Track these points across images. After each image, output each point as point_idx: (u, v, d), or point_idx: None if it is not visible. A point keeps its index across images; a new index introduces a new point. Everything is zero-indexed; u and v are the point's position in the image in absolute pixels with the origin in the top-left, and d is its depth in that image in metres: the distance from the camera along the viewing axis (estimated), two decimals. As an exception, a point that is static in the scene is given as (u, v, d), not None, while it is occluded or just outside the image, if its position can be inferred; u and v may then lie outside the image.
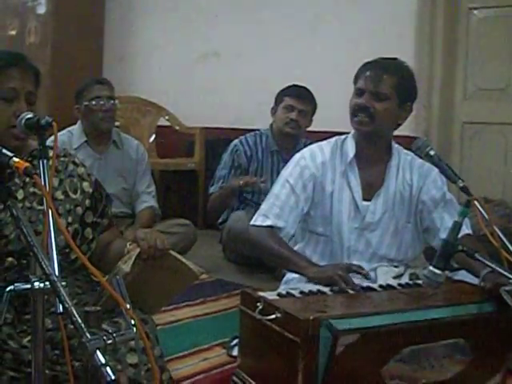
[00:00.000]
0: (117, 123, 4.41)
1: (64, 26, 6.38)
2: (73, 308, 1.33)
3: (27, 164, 1.44)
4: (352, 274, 2.47)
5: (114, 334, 1.36)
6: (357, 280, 2.45)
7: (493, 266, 2.13)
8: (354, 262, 2.67)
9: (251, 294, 2.22)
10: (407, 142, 2.76)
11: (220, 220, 4.68)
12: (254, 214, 2.89)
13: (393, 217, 2.79)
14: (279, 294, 2.26)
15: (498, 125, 4.97)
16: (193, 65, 6.33)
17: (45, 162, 1.69)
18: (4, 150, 1.48)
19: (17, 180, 2.08)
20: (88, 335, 1.29)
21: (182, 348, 3.00)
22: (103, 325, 1.86)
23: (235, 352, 2.79)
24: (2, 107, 2.01)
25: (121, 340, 1.38)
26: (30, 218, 2.03)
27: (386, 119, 2.71)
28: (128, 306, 1.48)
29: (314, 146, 2.89)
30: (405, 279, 2.58)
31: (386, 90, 2.68)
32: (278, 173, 2.99)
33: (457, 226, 2.20)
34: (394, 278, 2.61)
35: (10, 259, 2.00)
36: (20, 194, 2.07)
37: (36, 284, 1.50)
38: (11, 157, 1.46)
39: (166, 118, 6.30)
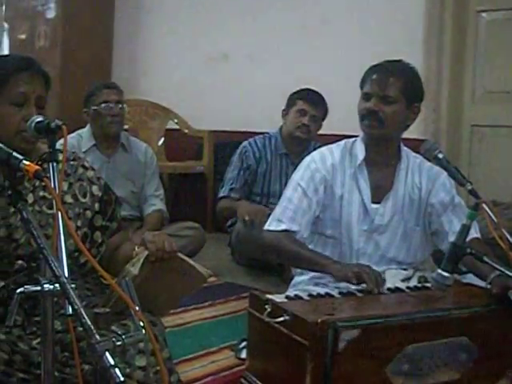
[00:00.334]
0: (125, 126, 4.42)
1: (73, 29, 6.40)
2: (82, 310, 1.33)
3: (37, 167, 1.45)
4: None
5: (123, 336, 1.37)
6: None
7: (501, 269, 2.13)
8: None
9: (259, 297, 2.22)
10: (416, 145, 2.76)
11: (229, 223, 4.68)
12: (262, 218, 2.89)
13: (402, 220, 2.79)
14: (287, 297, 2.27)
15: (507, 127, 4.96)
16: (202, 68, 6.33)
17: (55, 165, 1.70)
18: (14, 154, 1.48)
19: (26, 184, 2.08)
20: (97, 337, 1.29)
21: (190, 350, 3.01)
22: (112, 327, 1.89)
23: (243, 354, 2.79)
24: (12, 112, 2.01)
25: (130, 342, 1.38)
26: (40, 221, 2.03)
27: (395, 122, 2.71)
28: (137, 308, 1.49)
29: (323, 149, 2.89)
30: (413, 282, 2.58)
31: (393, 93, 2.68)
32: (287, 175, 3.00)
33: (465, 229, 2.20)
34: (403, 280, 2.61)
35: (19, 262, 2.00)
36: (30, 198, 2.07)
37: (46, 286, 1.50)
38: (21, 160, 1.47)
39: (175, 121, 6.31)
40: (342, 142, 2.88)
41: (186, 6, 6.45)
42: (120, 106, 4.10)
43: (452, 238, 2.34)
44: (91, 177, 2.25)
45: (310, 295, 2.31)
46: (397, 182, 2.79)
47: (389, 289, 2.44)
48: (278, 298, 2.22)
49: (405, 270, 2.73)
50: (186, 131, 6.28)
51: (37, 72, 2.08)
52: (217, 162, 6.08)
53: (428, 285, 2.45)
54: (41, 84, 2.08)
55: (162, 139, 6.26)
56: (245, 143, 4.64)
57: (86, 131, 4.19)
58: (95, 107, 4.07)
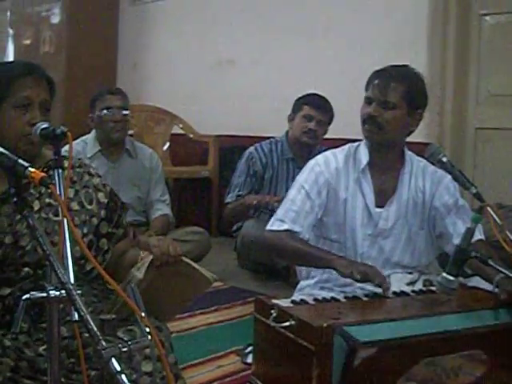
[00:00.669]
0: (130, 132, 4.42)
1: (78, 35, 6.43)
2: (88, 316, 1.34)
3: (43, 174, 1.45)
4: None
5: (129, 342, 1.37)
6: (370, 286, 2.45)
7: (506, 271, 2.13)
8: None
9: (265, 302, 2.22)
10: (420, 149, 2.76)
11: (234, 228, 4.68)
12: (267, 222, 2.89)
13: (406, 223, 2.79)
14: (293, 302, 2.26)
15: (511, 130, 4.95)
16: (207, 73, 6.35)
17: (60, 171, 1.70)
18: (20, 161, 1.49)
19: (32, 191, 2.08)
20: (103, 343, 1.30)
21: (196, 355, 3.01)
22: (118, 333, 1.89)
23: (249, 359, 2.79)
24: (17, 115, 2.02)
25: (136, 348, 1.39)
26: (46, 229, 2.03)
27: (394, 128, 2.70)
28: (143, 313, 1.49)
29: (328, 153, 2.90)
30: (419, 286, 2.58)
31: (393, 99, 2.66)
32: (294, 180, 2.99)
33: (469, 233, 2.20)
34: (408, 284, 2.60)
35: (25, 269, 2.00)
36: (36, 205, 2.07)
37: (52, 292, 1.50)
38: (27, 167, 1.47)
39: (180, 126, 6.32)
40: (346, 147, 2.88)
41: (191, 12, 6.48)
42: (123, 111, 4.10)
43: (457, 241, 2.34)
44: (97, 184, 2.25)
45: (316, 300, 2.31)
46: (400, 185, 2.80)
47: (394, 292, 2.44)
48: (284, 303, 2.21)
49: (410, 273, 2.73)
50: (191, 136, 6.30)
51: (41, 77, 2.09)
52: (222, 166, 6.10)
53: (433, 288, 2.45)
54: (45, 88, 2.09)
55: (168, 144, 6.28)
56: (251, 149, 4.64)
57: (90, 137, 4.19)
58: (98, 113, 4.08)
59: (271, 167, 4.57)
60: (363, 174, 2.79)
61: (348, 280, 2.50)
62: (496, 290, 2.30)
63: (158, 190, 4.37)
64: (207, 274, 2.13)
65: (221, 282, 4.23)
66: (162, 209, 4.33)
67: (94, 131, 4.19)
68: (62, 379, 1.72)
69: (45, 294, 1.51)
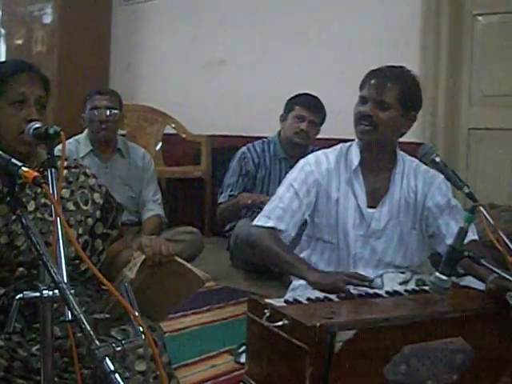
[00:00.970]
0: (123, 132, 4.41)
1: (70, 35, 6.42)
2: (82, 315, 1.33)
3: (36, 174, 1.44)
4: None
5: (123, 342, 1.37)
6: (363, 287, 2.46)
7: (499, 271, 2.13)
8: (360, 269, 2.69)
9: (258, 301, 2.22)
10: (413, 149, 2.77)
11: (227, 227, 4.68)
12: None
13: (398, 224, 2.80)
14: (286, 301, 2.27)
15: (504, 131, 4.96)
16: (199, 73, 6.35)
17: (53, 171, 1.70)
18: (13, 160, 1.48)
19: (28, 191, 2.08)
20: (97, 342, 1.29)
21: (189, 355, 3.01)
22: (112, 332, 1.89)
23: (243, 359, 2.79)
24: (12, 112, 2.02)
25: (129, 347, 1.38)
26: (41, 229, 2.03)
27: (388, 128, 2.70)
28: (136, 312, 1.49)
29: (319, 153, 2.90)
30: (411, 285, 2.59)
31: (389, 99, 2.67)
32: (286, 180, 3.00)
33: (462, 232, 2.20)
34: (401, 284, 2.61)
35: (20, 269, 2.00)
36: (31, 206, 2.08)
37: (45, 292, 1.50)
38: (20, 166, 1.47)
39: (173, 126, 6.32)
40: (338, 147, 2.89)
41: (184, 11, 6.47)
42: (110, 111, 4.10)
43: (449, 241, 2.34)
44: (93, 184, 2.26)
45: (309, 299, 2.31)
46: (392, 186, 2.80)
47: (387, 292, 2.44)
48: (277, 303, 2.21)
49: (403, 273, 2.74)
50: (184, 136, 6.29)
51: (36, 74, 2.10)
52: (215, 166, 6.09)
53: (426, 288, 2.45)
54: (40, 85, 2.09)
55: (160, 144, 6.27)
56: (243, 149, 4.64)
57: (83, 136, 4.20)
58: (88, 113, 4.11)
59: (263, 167, 4.57)
60: (355, 174, 2.79)
61: None
62: (488, 289, 2.31)
63: (150, 190, 4.37)
64: (200, 274, 2.13)
65: (214, 282, 4.23)
66: (154, 209, 4.33)
67: (86, 131, 4.20)
68: (56, 379, 1.72)
69: (38, 294, 1.51)
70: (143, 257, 2.03)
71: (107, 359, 1.28)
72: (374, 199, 2.79)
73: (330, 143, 3.09)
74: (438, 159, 2.44)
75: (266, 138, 4.69)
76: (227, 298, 4.04)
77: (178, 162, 6.30)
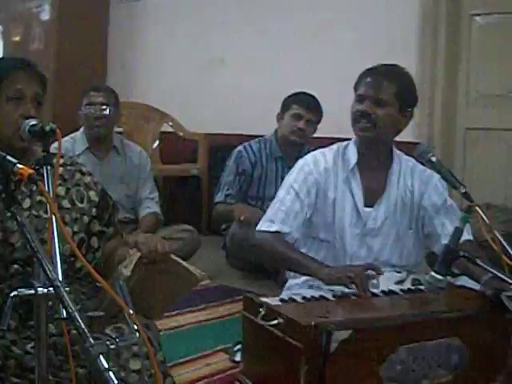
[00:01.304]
0: (120, 129, 4.41)
1: (68, 32, 6.40)
2: (76, 313, 1.33)
3: (31, 171, 1.44)
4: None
5: (117, 339, 1.37)
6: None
7: (494, 271, 2.14)
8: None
9: (254, 300, 2.22)
10: (410, 148, 2.77)
11: (223, 226, 4.68)
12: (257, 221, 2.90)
13: (394, 223, 2.80)
14: (282, 300, 2.27)
15: (501, 131, 4.97)
16: (197, 71, 6.34)
17: (49, 168, 1.70)
18: (8, 157, 1.48)
19: (24, 189, 2.08)
20: (91, 340, 1.29)
21: (184, 353, 3.01)
22: (106, 330, 1.89)
23: (238, 357, 2.80)
24: (10, 108, 2.02)
25: (124, 345, 1.38)
26: (37, 226, 2.03)
27: (387, 125, 2.71)
28: (130, 310, 1.49)
29: (316, 153, 2.90)
30: (407, 285, 2.59)
31: (386, 96, 2.68)
32: (282, 179, 3.00)
33: (458, 232, 2.21)
34: (397, 283, 2.61)
35: (15, 266, 2.00)
36: (27, 203, 2.07)
37: (40, 290, 1.50)
38: (15, 163, 1.47)
39: (170, 124, 6.31)
40: (335, 146, 2.89)
41: (182, 9, 6.46)
42: (105, 108, 4.09)
43: (445, 241, 2.35)
44: (88, 182, 2.25)
45: (304, 298, 2.31)
46: (389, 185, 2.80)
47: (383, 291, 2.44)
48: (273, 301, 2.22)
49: (398, 272, 2.74)
50: (181, 134, 6.29)
51: (33, 71, 2.10)
52: (212, 164, 6.09)
53: (422, 287, 2.45)
54: (37, 83, 2.09)
55: (157, 142, 6.26)
56: (240, 148, 4.63)
57: (79, 134, 4.20)
58: (83, 109, 4.11)
59: (260, 166, 4.57)
60: (352, 173, 2.79)
61: None
62: (483, 289, 2.31)
63: (146, 188, 4.36)
64: (196, 272, 2.13)
65: (209, 280, 4.22)
66: (151, 206, 4.32)
67: (82, 128, 4.19)
68: (50, 377, 1.72)
69: (33, 291, 1.51)
70: (139, 254, 2.03)
71: (101, 357, 1.27)
72: (371, 198, 2.80)
73: (325, 142, 3.09)
74: (434, 159, 2.44)
75: (262, 136, 4.69)
76: (223, 297, 4.04)
77: (175, 160, 6.29)
